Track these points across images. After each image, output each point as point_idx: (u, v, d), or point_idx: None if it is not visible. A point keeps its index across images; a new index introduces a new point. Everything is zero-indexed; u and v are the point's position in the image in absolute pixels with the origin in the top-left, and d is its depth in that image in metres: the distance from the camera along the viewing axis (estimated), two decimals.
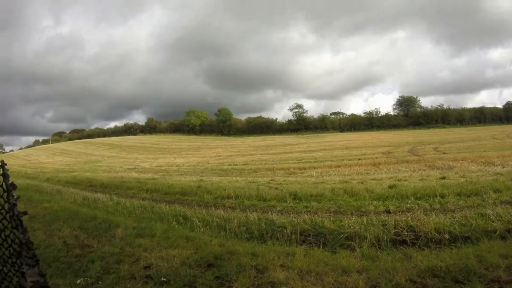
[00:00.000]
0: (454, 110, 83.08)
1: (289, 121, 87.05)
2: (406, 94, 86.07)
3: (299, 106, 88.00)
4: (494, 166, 11.24)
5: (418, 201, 6.58)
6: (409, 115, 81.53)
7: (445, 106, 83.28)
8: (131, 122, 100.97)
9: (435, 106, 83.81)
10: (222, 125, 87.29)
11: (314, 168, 14.60)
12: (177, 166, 22.98)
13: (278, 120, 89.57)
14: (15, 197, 1.42)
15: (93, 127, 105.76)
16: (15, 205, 1.39)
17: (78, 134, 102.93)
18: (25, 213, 1.42)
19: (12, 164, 39.88)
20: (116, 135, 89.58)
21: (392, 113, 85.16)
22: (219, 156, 31.35)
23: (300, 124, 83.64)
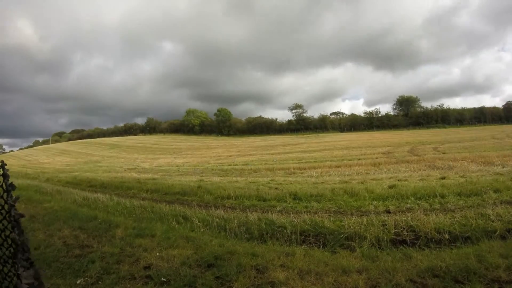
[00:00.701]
0: (454, 110, 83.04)
1: (289, 121, 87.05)
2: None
3: (299, 106, 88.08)
4: (494, 166, 11.23)
5: (418, 201, 6.58)
6: (409, 115, 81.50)
7: (445, 106, 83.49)
8: (131, 122, 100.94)
9: (435, 106, 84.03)
10: (222, 125, 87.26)
11: (314, 168, 14.61)
12: (177, 166, 22.98)
13: (278, 120, 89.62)
14: (14, 197, 1.42)
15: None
16: (13, 206, 1.39)
17: (78, 134, 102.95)
18: (21, 215, 1.42)
19: (12, 164, 39.88)
20: (116, 135, 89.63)
21: (392, 113, 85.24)
22: (219, 156, 31.36)
23: (300, 124, 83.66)
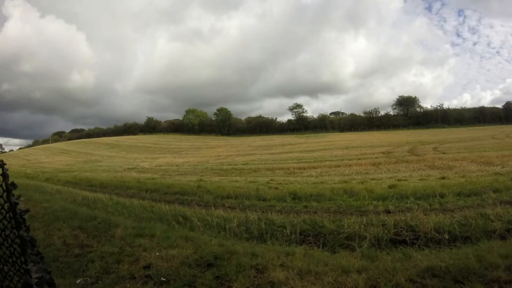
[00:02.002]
0: (454, 110, 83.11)
1: (289, 121, 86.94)
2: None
3: (298, 106, 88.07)
4: (494, 166, 11.25)
5: (418, 201, 6.59)
6: (409, 115, 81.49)
7: (444, 106, 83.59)
8: (130, 121, 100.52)
9: (435, 106, 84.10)
10: (221, 124, 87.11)
11: (314, 168, 14.62)
12: (176, 166, 22.98)
13: (277, 119, 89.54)
14: (16, 196, 1.43)
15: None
16: (17, 204, 1.39)
17: (78, 134, 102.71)
18: (27, 210, 1.42)
19: (12, 164, 39.82)
20: (116, 135, 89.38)
21: (392, 113, 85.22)
22: (219, 156, 31.37)
23: (300, 124, 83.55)
